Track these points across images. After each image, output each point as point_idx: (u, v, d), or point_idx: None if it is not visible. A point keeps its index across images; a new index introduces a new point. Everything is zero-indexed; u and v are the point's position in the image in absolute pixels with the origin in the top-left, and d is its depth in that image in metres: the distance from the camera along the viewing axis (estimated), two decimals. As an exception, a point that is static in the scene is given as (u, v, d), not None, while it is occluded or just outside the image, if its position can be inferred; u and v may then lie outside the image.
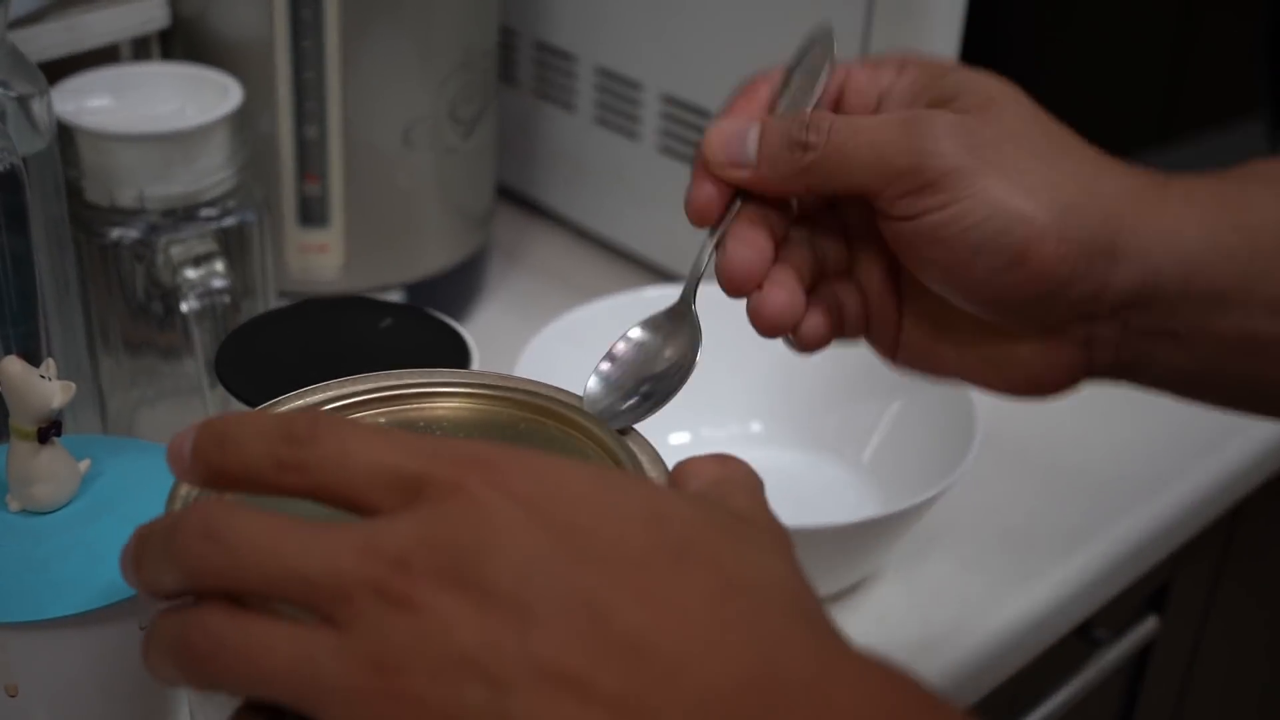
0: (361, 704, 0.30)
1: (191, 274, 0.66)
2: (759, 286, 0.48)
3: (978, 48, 0.75)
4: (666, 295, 0.76)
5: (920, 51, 0.74)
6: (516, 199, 1.00)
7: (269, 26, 0.74)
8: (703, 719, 0.30)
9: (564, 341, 0.72)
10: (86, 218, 0.66)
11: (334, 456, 0.32)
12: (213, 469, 0.34)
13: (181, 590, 0.33)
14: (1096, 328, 0.47)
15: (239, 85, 0.70)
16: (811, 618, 0.33)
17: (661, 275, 0.91)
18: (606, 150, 0.91)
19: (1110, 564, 0.73)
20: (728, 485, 0.36)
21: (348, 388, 0.43)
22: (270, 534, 0.32)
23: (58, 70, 0.69)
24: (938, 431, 0.69)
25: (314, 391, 0.42)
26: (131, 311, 0.68)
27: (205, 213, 0.67)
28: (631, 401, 0.44)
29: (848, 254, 0.50)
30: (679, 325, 0.47)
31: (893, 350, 0.51)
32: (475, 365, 0.58)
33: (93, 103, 0.68)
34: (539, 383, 0.43)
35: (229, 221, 0.68)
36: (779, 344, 0.51)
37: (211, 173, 0.67)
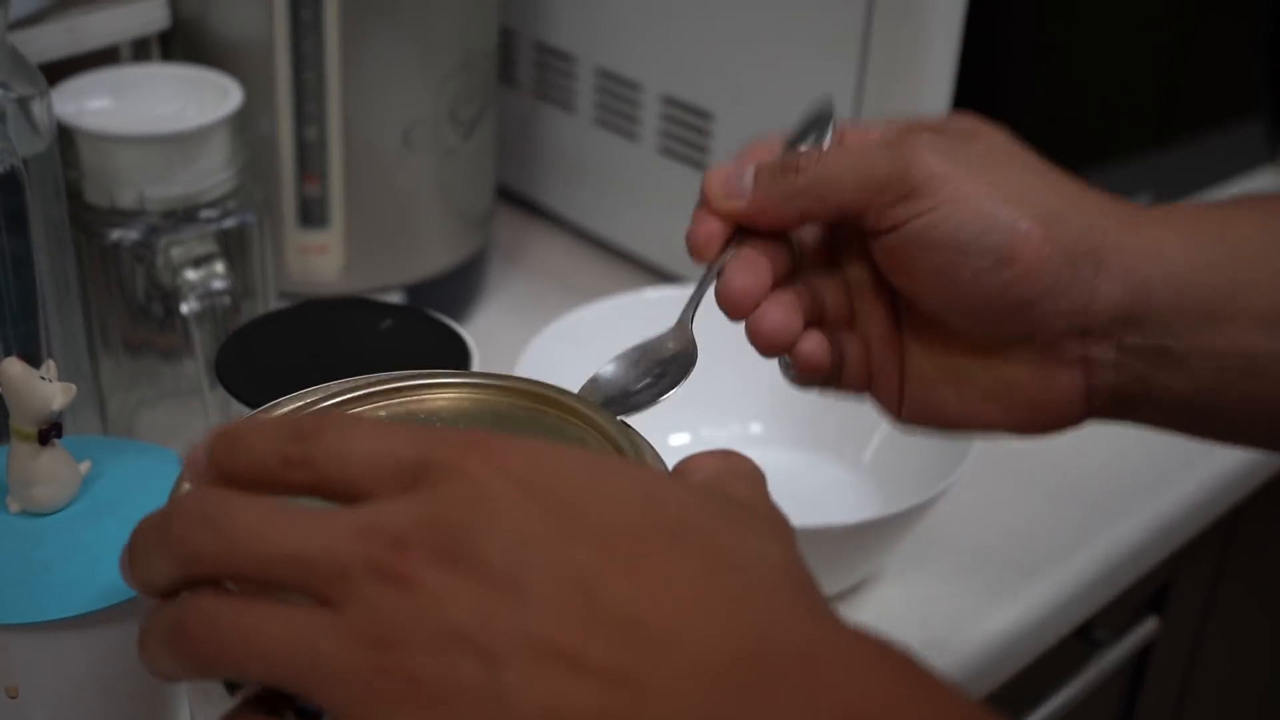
0: (357, 680, 0.31)
1: (191, 275, 0.66)
2: (757, 306, 0.49)
3: (977, 48, 0.75)
4: (666, 296, 0.77)
5: (921, 51, 0.74)
6: (516, 200, 1.00)
7: (269, 28, 0.74)
8: (694, 690, 0.30)
9: (564, 342, 0.72)
10: (86, 219, 0.66)
11: (336, 450, 0.33)
12: (225, 471, 0.34)
13: (176, 583, 0.33)
14: (1091, 347, 0.47)
15: (239, 86, 0.70)
16: (804, 594, 0.34)
17: (661, 276, 0.91)
18: (606, 151, 0.91)
19: (1110, 565, 0.73)
20: (729, 476, 0.37)
21: (347, 386, 0.43)
22: (266, 518, 0.32)
23: (58, 71, 0.69)
24: (938, 432, 0.69)
25: (315, 392, 0.42)
26: (131, 313, 0.68)
27: (205, 214, 0.67)
28: (646, 381, 0.45)
29: (848, 303, 0.51)
30: (679, 335, 0.48)
31: (896, 404, 0.51)
32: (475, 366, 0.58)
33: (93, 104, 0.68)
34: (539, 381, 0.43)
35: (229, 223, 0.68)
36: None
37: (211, 174, 0.67)
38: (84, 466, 0.48)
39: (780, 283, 0.49)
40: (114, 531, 0.47)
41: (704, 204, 0.49)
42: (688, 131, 0.85)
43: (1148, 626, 0.86)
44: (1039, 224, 0.46)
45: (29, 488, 0.47)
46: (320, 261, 0.79)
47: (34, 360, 0.48)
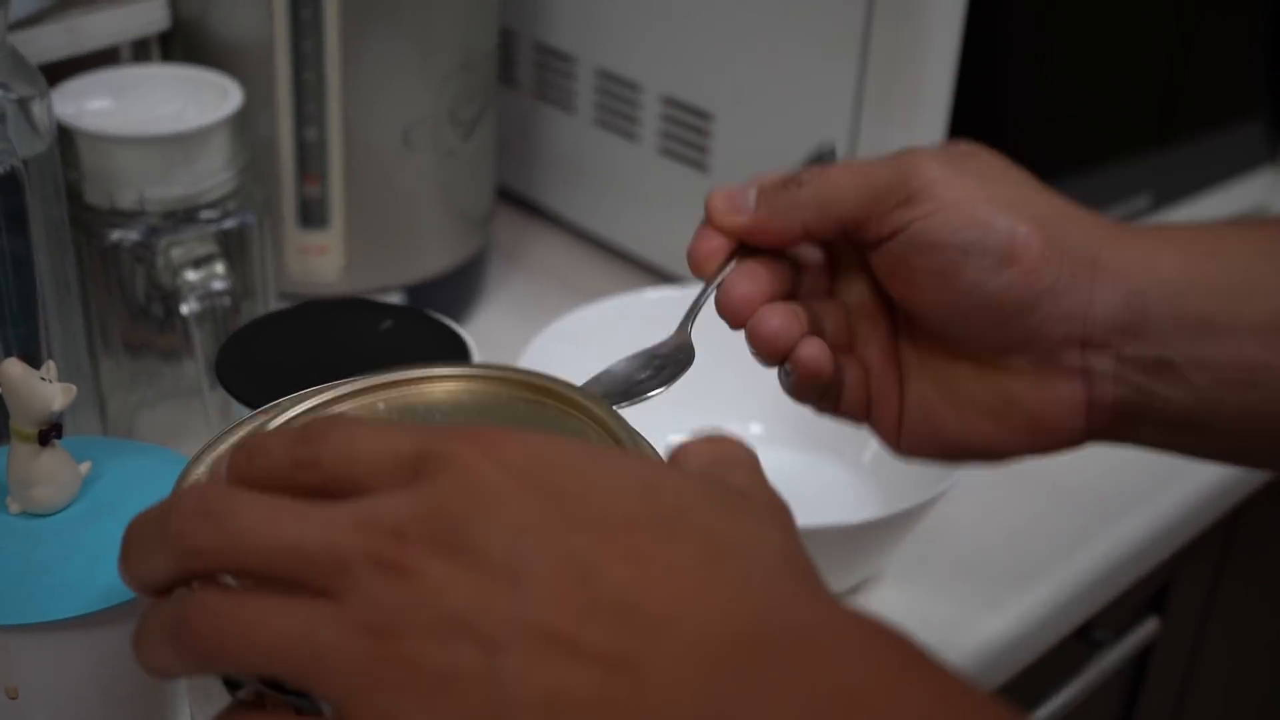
0: (358, 669, 0.31)
1: (192, 276, 0.66)
2: (756, 312, 0.49)
3: (977, 48, 0.75)
4: (666, 296, 0.77)
5: (921, 51, 0.74)
6: (516, 200, 1.00)
7: (269, 28, 0.74)
8: (693, 674, 0.30)
9: (564, 343, 0.72)
10: (86, 220, 0.66)
11: (343, 450, 0.34)
12: (243, 476, 0.35)
13: (174, 578, 0.34)
14: (1091, 358, 0.47)
15: (239, 87, 0.70)
16: (803, 579, 0.34)
17: (661, 276, 0.91)
18: (606, 152, 0.91)
19: (1111, 565, 0.73)
20: (725, 464, 0.37)
21: (345, 384, 0.43)
22: (266, 512, 0.33)
23: (58, 72, 0.69)
24: (938, 432, 0.69)
25: (314, 393, 0.42)
26: (132, 313, 0.68)
27: (205, 215, 0.67)
28: (646, 374, 0.47)
29: (847, 328, 0.51)
30: (677, 338, 0.49)
31: (895, 431, 0.51)
32: (475, 367, 0.58)
33: (93, 105, 0.68)
34: (537, 372, 0.43)
35: (229, 223, 0.68)
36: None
37: (211, 175, 0.67)
38: (84, 467, 0.48)
39: (780, 299, 0.50)
40: (114, 532, 0.46)
41: (707, 221, 0.50)
42: (688, 132, 0.85)
43: (1148, 627, 0.86)
44: (1038, 228, 0.46)
45: (29, 488, 0.47)
46: (320, 262, 0.79)
47: (34, 361, 0.48)
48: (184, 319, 0.66)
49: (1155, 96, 0.91)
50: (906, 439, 0.51)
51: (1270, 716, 1.17)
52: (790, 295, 0.50)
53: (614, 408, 0.41)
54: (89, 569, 0.45)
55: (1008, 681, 0.69)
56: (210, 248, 0.67)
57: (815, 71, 0.77)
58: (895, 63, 0.74)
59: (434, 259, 0.83)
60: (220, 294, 0.66)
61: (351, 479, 0.33)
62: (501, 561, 0.31)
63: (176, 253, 0.66)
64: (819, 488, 0.73)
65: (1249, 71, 0.98)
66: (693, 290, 0.50)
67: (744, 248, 0.49)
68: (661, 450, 0.41)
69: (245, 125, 0.69)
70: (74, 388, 0.47)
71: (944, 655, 0.69)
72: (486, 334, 0.85)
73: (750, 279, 0.48)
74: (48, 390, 0.46)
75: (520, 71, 0.95)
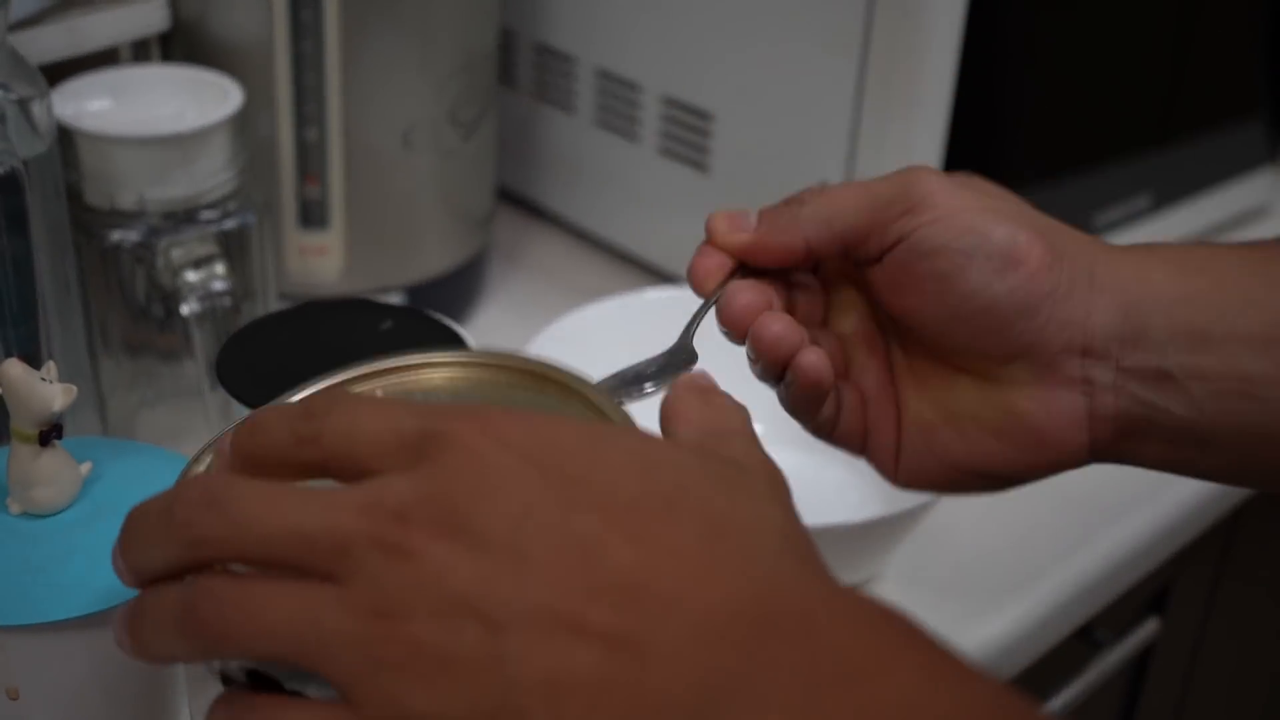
0: (362, 651, 0.31)
1: (192, 276, 0.66)
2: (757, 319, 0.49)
3: (977, 48, 0.75)
4: (666, 297, 0.77)
5: (921, 51, 0.74)
6: (516, 201, 1.00)
7: (269, 29, 0.74)
8: (695, 650, 0.31)
9: (564, 343, 0.72)
10: (87, 220, 0.66)
11: (344, 427, 0.34)
12: (246, 455, 0.35)
13: (174, 568, 0.34)
14: (1091, 368, 0.47)
15: (239, 88, 0.70)
16: (803, 555, 0.34)
17: (661, 277, 0.91)
18: (606, 152, 0.91)
19: (1111, 565, 0.73)
20: (719, 434, 0.37)
21: (343, 374, 0.43)
22: (269, 498, 0.33)
23: (58, 73, 0.69)
24: (939, 432, 0.69)
25: (315, 384, 0.43)
26: (132, 314, 0.68)
27: (205, 215, 0.67)
28: (651, 371, 0.47)
29: (843, 356, 0.51)
30: (679, 343, 0.49)
31: (893, 461, 0.51)
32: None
33: (93, 105, 0.68)
34: (535, 358, 0.44)
35: (229, 224, 0.68)
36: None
37: (211, 175, 0.67)
38: (84, 468, 0.48)
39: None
40: (114, 533, 0.46)
41: (708, 241, 0.50)
42: (688, 132, 0.85)
43: (1149, 627, 0.86)
44: (1038, 235, 0.47)
45: (29, 489, 0.47)
46: (320, 263, 0.79)
47: (34, 361, 0.48)
48: (184, 319, 0.66)
49: (1155, 96, 0.92)
50: (905, 466, 0.51)
51: (1271, 717, 1.17)
52: (788, 299, 0.51)
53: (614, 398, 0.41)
54: (89, 569, 0.45)
55: (1008, 681, 0.69)
56: (210, 248, 0.67)
57: (815, 71, 0.77)
58: (895, 63, 0.74)
59: (434, 259, 0.83)
60: (220, 294, 0.66)
61: (353, 457, 0.34)
62: (504, 542, 0.31)
63: (177, 253, 0.66)
64: (821, 488, 0.73)
65: (1249, 71, 0.98)
66: (693, 297, 0.50)
67: (744, 269, 0.50)
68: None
69: (245, 125, 0.69)
70: (74, 388, 0.47)
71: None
72: (486, 334, 0.85)
73: (752, 289, 0.49)
74: (48, 391, 0.46)
75: (520, 71, 0.95)
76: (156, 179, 0.66)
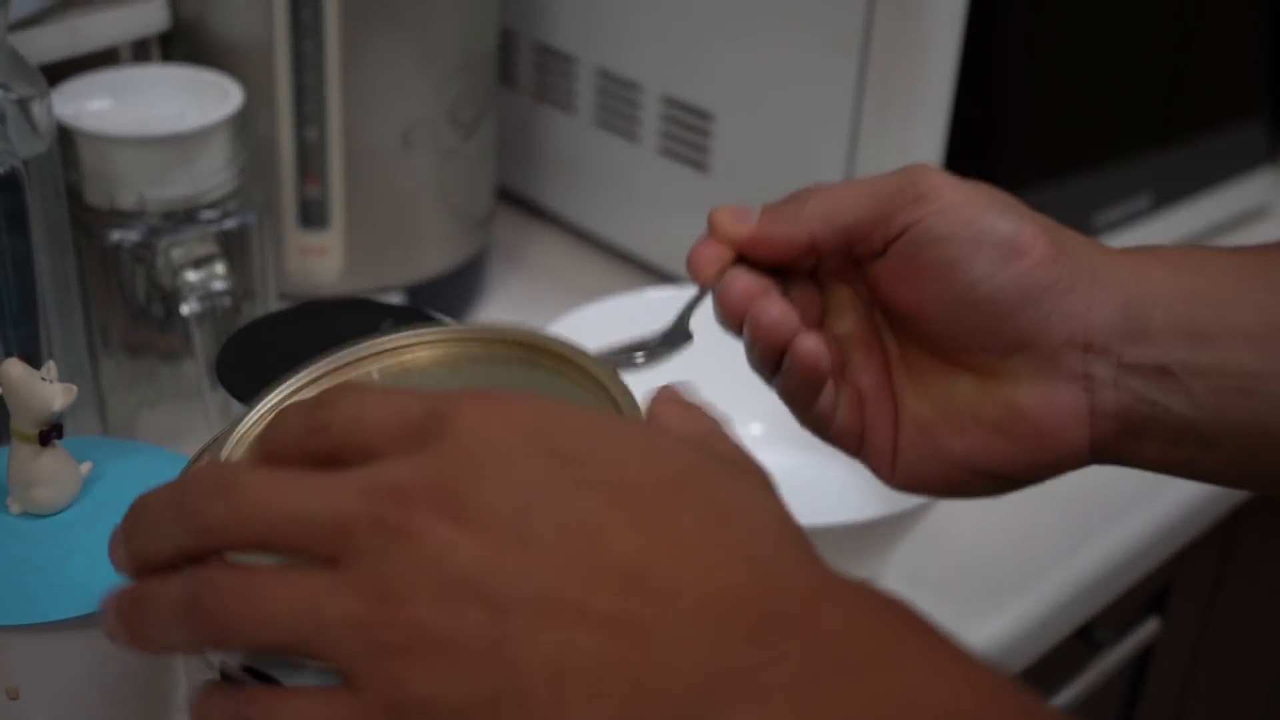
0: (363, 635, 0.31)
1: (192, 276, 0.66)
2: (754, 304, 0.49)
3: (977, 49, 0.75)
4: (667, 297, 0.77)
5: (921, 51, 0.74)
6: (516, 201, 1.00)
7: (269, 29, 0.74)
8: (698, 639, 0.31)
9: (564, 343, 0.72)
10: (87, 220, 0.66)
11: (352, 413, 0.34)
12: (264, 449, 0.36)
13: (180, 556, 0.34)
14: (1092, 364, 0.47)
15: (239, 87, 0.70)
16: (801, 546, 0.34)
17: (661, 277, 0.91)
18: (606, 152, 0.91)
19: (1112, 566, 0.73)
20: (705, 435, 0.37)
21: (335, 357, 0.43)
22: (274, 484, 0.33)
23: (58, 73, 0.69)
24: (939, 432, 0.69)
25: (309, 372, 0.43)
26: (132, 314, 0.68)
27: (205, 215, 0.67)
28: (646, 345, 0.47)
29: (839, 355, 0.51)
30: (676, 325, 0.49)
31: (890, 462, 0.51)
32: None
33: (93, 105, 0.68)
34: (529, 328, 0.43)
35: (229, 224, 0.68)
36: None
37: (211, 175, 0.67)
38: (85, 467, 0.48)
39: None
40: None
41: (709, 233, 0.50)
42: (688, 132, 0.85)
43: (1149, 627, 0.86)
44: (1041, 229, 0.47)
45: (30, 489, 0.47)
46: (320, 262, 0.79)
47: (34, 361, 0.48)
48: (184, 319, 0.66)
49: (1155, 96, 0.92)
50: (902, 467, 0.51)
51: (1271, 716, 1.17)
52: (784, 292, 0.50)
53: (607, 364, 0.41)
54: (89, 569, 0.45)
55: (1009, 681, 0.69)
56: (210, 248, 0.67)
57: (815, 71, 0.77)
58: (895, 63, 0.74)
59: (434, 259, 0.83)
60: (220, 294, 0.66)
61: (360, 443, 0.34)
62: (508, 523, 0.31)
63: (177, 253, 0.66)
64: (820, 487, 0.73)
65: (1249, 71, 0.98)
66: (693, 290, 0.50)
67: (743, 263, 0.49)
68: None
69: (245, 125, 0.69)
70: (74, 388, 0.47)
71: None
72: (487, 334, 0.85)
73: (750, 276, 0.49)
74: (48, 390, 0.46)
75: (520, 71, 0.95)
76: (156, 179, 0.66)
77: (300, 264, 0.79)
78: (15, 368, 0.46)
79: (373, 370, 0.43)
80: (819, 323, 0.51)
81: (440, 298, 0.83)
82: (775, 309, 0.48)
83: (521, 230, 0.98)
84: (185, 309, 0.66)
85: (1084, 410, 0.48)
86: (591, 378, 0.41)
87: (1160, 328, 0.47)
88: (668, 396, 0.38)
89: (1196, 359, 0.47)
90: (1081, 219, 0.88)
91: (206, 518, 0.33)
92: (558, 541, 0.31)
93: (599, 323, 0.74)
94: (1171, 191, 0.95)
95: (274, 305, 0.72)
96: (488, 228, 0.88)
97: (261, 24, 0.74)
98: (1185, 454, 0.48)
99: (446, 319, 0.62)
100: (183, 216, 0.67)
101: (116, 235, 0.66)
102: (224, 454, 0.40)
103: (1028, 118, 0.85)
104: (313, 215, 0.78)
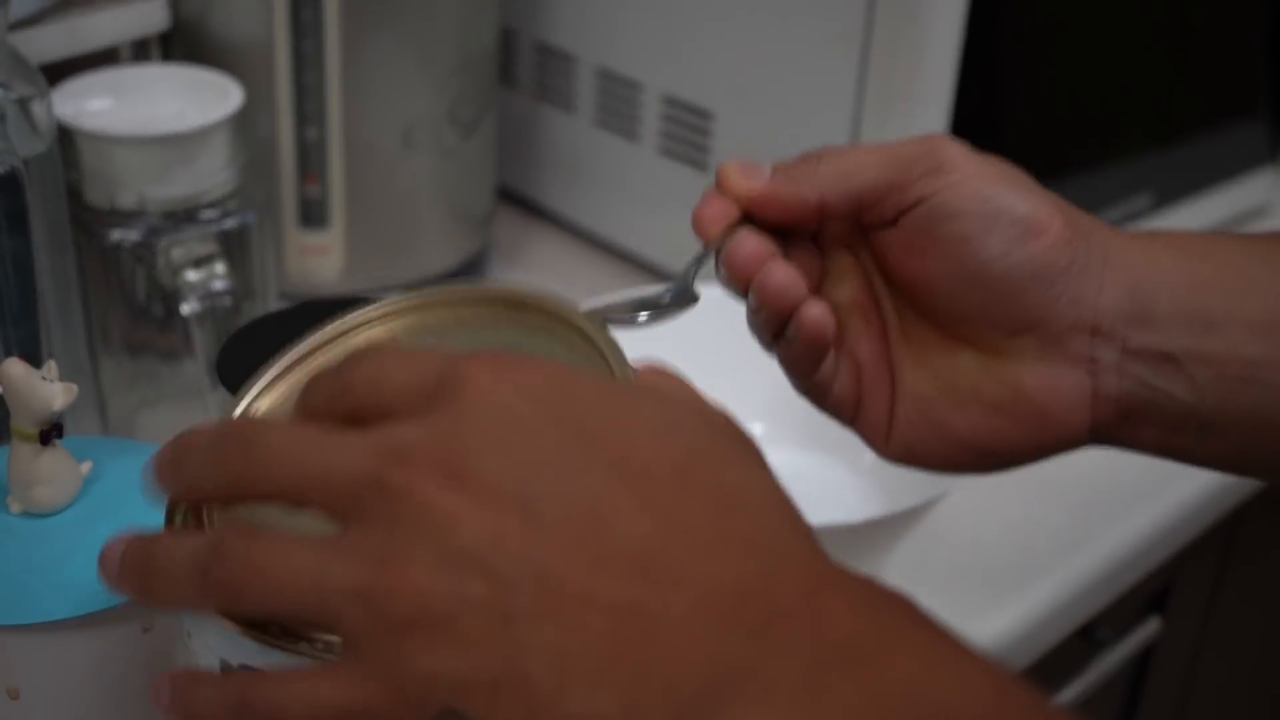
0: (367, 605, 0.31)
1: (192, 276, 0.66)
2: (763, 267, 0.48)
3: (977, 48, 0.75)
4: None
5: (921, 51, 0.74)
6: (516, 200, 1.00)
7: (269, 28, 0.74)
8: (703, 630, 0.31)
9: (565, 343, 0.72)
10: (87, 220, 0.66)
11: (372, 374, 0.34)
12: (302, 408, 0.36)
13: (205, 495, 0.36)
14: (1097, 347, 0.47)
15: (239, 87, 0.70)
16: (802, 533, 0.34)
17: (662, 276, 0.91)
18: (606, 151, 0.91)
19: (1112, 565, 0.73)
20: (701, 404, 0.37)
21: (335, 322, 0.43)
22: (296, 440, 0.33)
23: (58, 72, 0.69)
24: (939, 432, 0.69)
25: (309, 334, 0.43)
26: (132, 313, 0.68)
27: (205, 215, 0.67)
28: (649, 302, 0.47)
29: (838, 323, 0.50)
30: (680, 282, 0.48)
31: (885, 433, 0.50)
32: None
33: (93, 105, 0.68)
34: (520, 286, 0.43)
35: (229, 223, 0.68)
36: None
37: (212, 175, 0.67)
38: (85, 467, 0.48)
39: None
40: (115, 532, 0.46)
41: (717, 187, 0.48)
42: (688, 131, 0.85)
43: (1150, 627, 0.86)
44: (1058, 210, 0.47)
45: (30, 488, 0.47)
46: (320, 262, 0.79)
47: (35, 360, 0.48)
48: (184, 319, 0.66)
49: (1155, 96, 0.91)
50: (897, 440, 0.50)
51: (1272, 717, 1.17)
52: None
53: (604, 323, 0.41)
54: (90, 569, 0.45)
55: (1009, 681, 0.69)
56: (210, 248, 0.67)
57: (816, 71, 0.77)
58: (895, 62, 0.74)
59: (434, 259, 0.83)
60: (220, 294, 0.66)
61: (379, 404, 0.34)
62: (513, 495, 0.31)
63: (177, 253, 0.66)
64: (820, 487, 0.73)
65: (1249, 71, 0.98)
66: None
67: (749, 222, 0.48)
68: None
69: (245, 125, 0.69)
70: (75, 387, 0.47)
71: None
72: (487, 334, 0.85)
73: (756, 237, 0.47)
74: (48, 390, 0.46)
75: (520, 71, 0.95)
76: (156, 178, 0.66)
77: (300, 264, 0.79)
78: (15, 367, 0.46)
79: (361, 337, 0.43)
80: (817, 288, 0.51)
81: (440, 297, 0.83)
82: (783, 274, 0.47)
83: (521, 230, 0.98)
84: (185, 309, 0.66)
85: (1086, 393, 0.48)
86: (584, 335, 0.40)
87: (1165, 313, 0.47)
88: (657, 369, 0.38)
89: (1200, 346, 0.47)
90: (1082, 218, 0.88)
91: (232, 466, 0.34)
92: (564, 519, 0.31)
93: (599, 322, 0.74)
94: (1172, 191, 0.95)
95: (274, 305, 0.72)
96: (488, 227, 0.88)
97: (261, 24, 0.74)
98: (1185, 440, 0.48)
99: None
100: (183, 216, 0.67)
101: (116, 235, 0.66)
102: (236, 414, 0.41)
103: (1028, 117, 0.85)
104: (313, 215, 0.78)
